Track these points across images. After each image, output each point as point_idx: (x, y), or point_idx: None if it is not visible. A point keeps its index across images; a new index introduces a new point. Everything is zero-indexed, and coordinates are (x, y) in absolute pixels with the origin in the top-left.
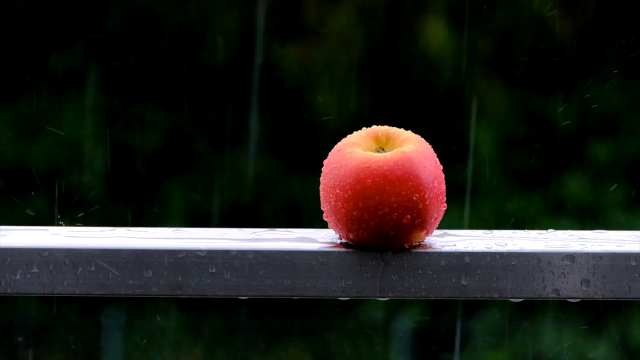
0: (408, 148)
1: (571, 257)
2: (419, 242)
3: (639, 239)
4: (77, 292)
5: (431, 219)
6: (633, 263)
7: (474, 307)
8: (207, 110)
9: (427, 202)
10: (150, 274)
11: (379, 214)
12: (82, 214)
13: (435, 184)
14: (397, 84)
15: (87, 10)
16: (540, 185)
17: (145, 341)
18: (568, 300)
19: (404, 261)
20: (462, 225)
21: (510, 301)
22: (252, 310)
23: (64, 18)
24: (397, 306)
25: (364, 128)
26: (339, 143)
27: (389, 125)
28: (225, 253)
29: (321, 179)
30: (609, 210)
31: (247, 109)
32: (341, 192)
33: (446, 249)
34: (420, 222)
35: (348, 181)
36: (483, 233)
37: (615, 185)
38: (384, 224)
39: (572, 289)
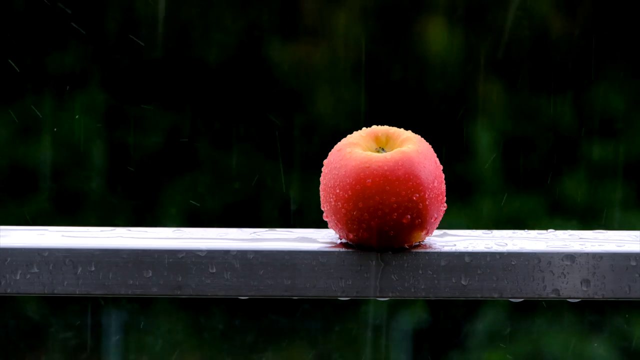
0: (408, 148)
1: (571, 257)
2: (419, 242)
3: (639, 239)
4: (77, 292)
5: (431, 219)
6: (633, 263)
7: (474, 307)
8: (207, 110)
9: (427, 202)
10: (150, 274)
11: (379, 214)
12: (82, 214)
13: (435, 184)
14: (397, 84)
15: (87, 10)
16: (540, 185)
17: (145, 341)
18: (568, 300)
19: (404, 261)
20: (462, 225)
21: (510, 301)
22: (252, 310)
23: (64, 18)
24: (397, 306)
25: (364, 128)
26: (339, 143)
27: (389, 125)
28: (225, 253)
29: (321, 179)
30: (609, 210)
31: (247, 109)
32: (341, 192)
33: (446, 249)
34: (420, 222)
35: (348, 181)
36: (483, 233)
37: (615, 185)
38: (384, 224)
39: (572, 289)
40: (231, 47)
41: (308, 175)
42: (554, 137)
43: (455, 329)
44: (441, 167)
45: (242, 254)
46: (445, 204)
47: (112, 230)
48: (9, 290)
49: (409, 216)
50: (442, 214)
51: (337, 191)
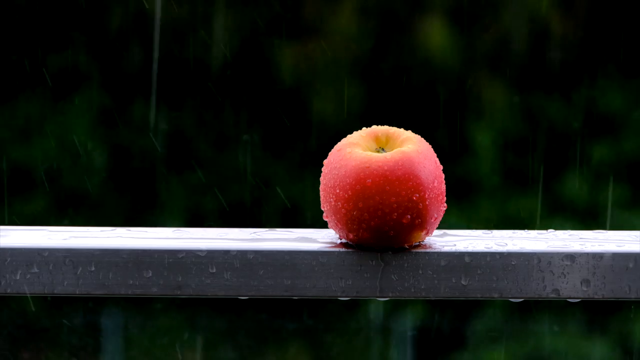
0: (408, 148)
1: (571, 257)
2: (419, 242)
3: (639, 239)
4: (77, 292)
5: (431, 219)
6: (633, 263)
7: (473, 307)
8: (207, 110)
9: (427, 202)
10: (150, 274)
11: (379, 214)
12: (81, 214)
13: (435, 184)
14: (397, 84)
15: (87, 10)
16: (540, 185)
17: (145, 341)
18: (568, 300)
19: (404, 261)
20: (462, 225)
21: (510, 301)
22: (252, 310)
23: (64, 18)
24: (397, 306)
25: (364, 128)
26: (339, 143)
27: (389, 125)
28: (225, 253)
29: (321, 179)
30: (609, 210)
31: (247, 109)
32: (341, 192)
33: (446, 249)
34: (420, 222)
35: (348, 181)
36: (483, 233)
37: (615, 185)
38: (384, 224)
39: (572, 289)
40: (231, 47)
41: (308, 175)
42: (554, 137)
43: (455, 329)
44: (441, 167)
45: (242, 254)
46: (445, 204)
47: (112, 230)
48: (9, 290)
49: (409, 216)
50: (442, 214)
51: (337, 191)
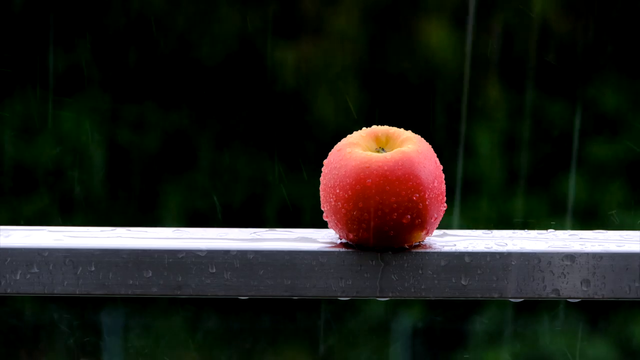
0: (408, 148)
1: (571, 257)
2: (419, 242)
3: (639, 239)
4: (77, 292)
5: (431, 219)
6: (633, 263)
7: (473, 307)
8: (207, 110)
9: (427, 202)
10: (150, 274)
11: (379, 214)
12: (82, 214)
13: (435, 184)
14: (397, 84)
15: (87, 10)
16: (540, 185)
17: (145, 341)
18: (568, 300)
19: (404, 261)
20: (462, 225)
21: (510, 301)
22: (252, 310)
23: (64, 18)
24: (397, 306)
25: (364, 128)
26: (339, 143)
27: (389, 125)
28: (225, 253)
29: (321, 179)
30: (609, 210)
31: (246, 109)
32: (341, 192)
33: (446, 249)
34: (420, 222)
35: (348, 181)
36: (483, 233)
37: (615, 185)
38: (384, 224)
39: (572, 289)
40: (231, 47)
41: (308, 175)
42: (554, 137)
43: (455, 329)
44: (441, 167)
45: (242, 254)
46: (445, 204)
47: (112, 230)
48: (9, 290)
49: (409, 216)
50: (442, 214)
51: (337, 191)
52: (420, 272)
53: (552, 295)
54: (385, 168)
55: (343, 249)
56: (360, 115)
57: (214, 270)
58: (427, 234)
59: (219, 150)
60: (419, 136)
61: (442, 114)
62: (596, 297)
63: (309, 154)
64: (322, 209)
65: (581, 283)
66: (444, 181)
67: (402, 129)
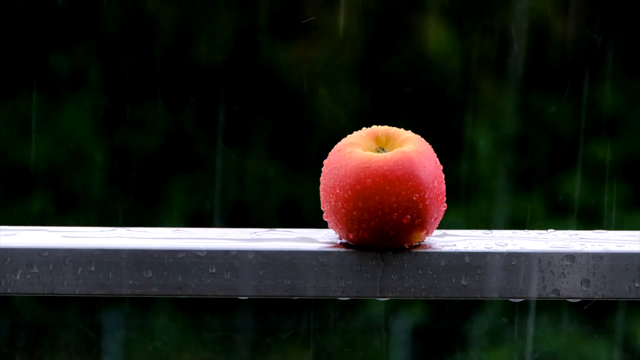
0: (408, 148)
1: (571, 257)
2: (419, 242)
3: (639, 239)
4: (77, 292)
5: (431, 219)
6: (633, 263)
7: (473, 307)
8: (207, 111)
9: (427, 202)
10: (150, 274)
11: (379, 214)
12: (82, 214)
13: (435, 184)
14: (397, 84)
15: (87, 10)
16: (540, 185)
17: (145, 341)
18: (568, 300)
19: (404, 261)
20: (462, 225)
21: (510, 301)
22: (252, 310)
23: (64, 18)
24: (397, 306)
25: (364, 128)
26: (339, 143)
27: (389, 125)
28: (225, 253)
29: (321, 179)
30: (609, 210)
31: (247, 109)
32: (341, 192)
33: (446, 249)
34: (420, 222)
35: (348, 181)
36: (483, 233)
37: (615, 185)
38: (384, 224)
39: (572, 289)
40: (231, 47)
41: (308, 175)
42: (554, 137)
43: (455, 328)
44: (441, 167)
45: (242, 254)
46: (445, 204)
47: (112, 230)
48: (9, 290)
49: (409, 216)
50: (442, 214)
51: (337, 191)
52: (420, 272)
53: (552, 295)
54: (385, 168)
55: (343, 249)
56: (360, 115)
57: (214, 270)
58: (427, 234)
59: (219, 151)
60: (419, 136)
61: (442, 114)
62: (596, 297)
63: (309, 154)
64: (322, 209)
65: (581, 283)
66: (444, 181)
67: (402, 129)
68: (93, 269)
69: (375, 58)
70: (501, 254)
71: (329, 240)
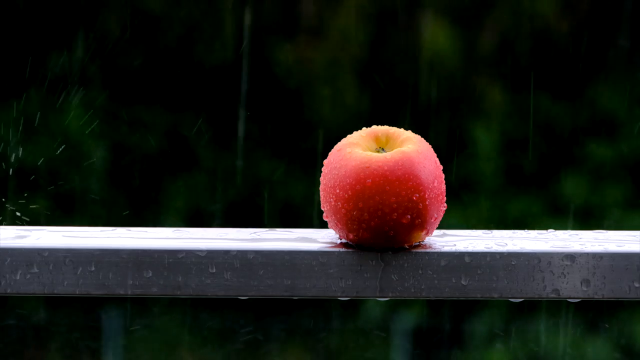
0: (408, 148)
1: (571, 257)
2: (419, 242)
3: (639, 239)
4: (77, 292)
5: (431, 219)
6: (633, 263)
7: (473, 307)
8: (207, 111)
9: (427, 202)
10: (150, 274)
11: (379, 214)
12: (81, 214)
13: (435, 184)
14: (397, 84)
15: (87, 11)
16: (540, 185)
17: (145, 341)
18: (568, 300)
19: (404, 261)
20: (462, 225)
21: (510, 301)
22: (252, 310)
23: (64, 18)
24: (397, 306)
25: (364, 128)
26: (339, 143)
27: (389, 125)
28: (225, 253)
29: (321, 179)
30: (609, 210)
31: (247, 109)
32: (341, 192)
33: (446, 249)
34: (420, 222)
35: (348, 181)
36: (483, 233)
37: (615, 185)
38: (384, 224)
39: (572, 289)
40: (232, 47)
41: (308, 175)
42: (554, 137)
43: (455, 329)
44: (441, 167)
45: (242, 254)
46: (445, 204)
47: (112, 230)
48: (9, 290)
49: (409, 216)
50: (442, 214)
51: (337, 191)
52: (420, 272)
53: (552, 295)
54: (385, 168)
55: (343, 249)
56: (360, 115)
57: (214, 270)
58: (427, 234)
59: (219, 150)
60: (419, 136)
61: (442, 114)
62: (596, 297)
63: (309, 153)
64: (322, 209)
65: (581, 283)
66: (444, 181)
67: (402, 129)
68: (93, 269)
69: (375, 58)
70: (501, 254)
71: (329, 240)
